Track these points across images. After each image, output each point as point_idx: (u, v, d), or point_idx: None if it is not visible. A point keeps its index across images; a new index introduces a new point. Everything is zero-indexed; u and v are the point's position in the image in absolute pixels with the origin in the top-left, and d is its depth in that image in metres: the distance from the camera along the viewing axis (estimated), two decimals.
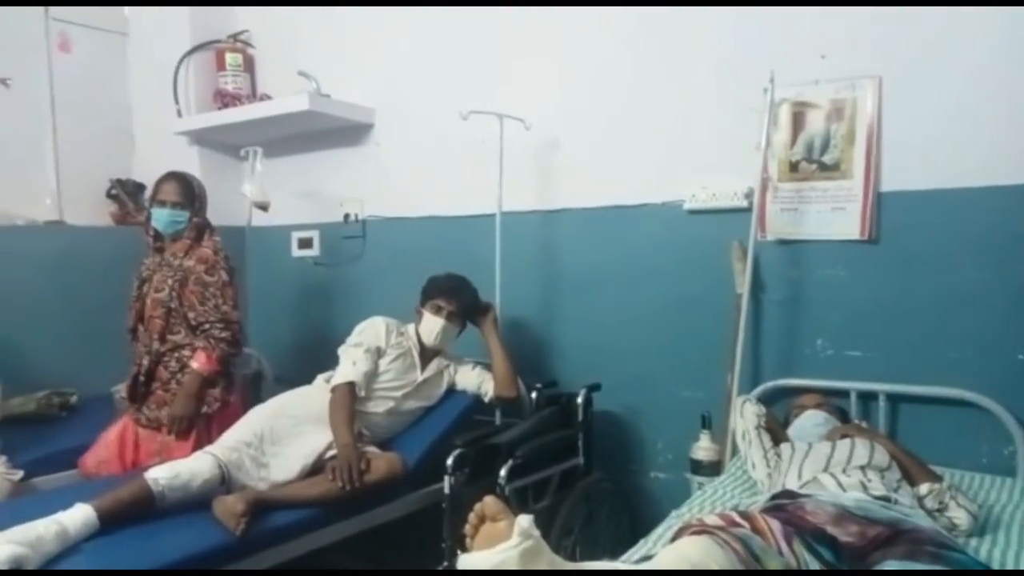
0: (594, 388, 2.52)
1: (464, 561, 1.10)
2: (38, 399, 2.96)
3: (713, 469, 2.30)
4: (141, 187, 3.68)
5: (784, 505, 1.51)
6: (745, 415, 2.10)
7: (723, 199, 2.40)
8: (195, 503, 1.99)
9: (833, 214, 2.25)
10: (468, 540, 1.14)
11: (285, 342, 3.55)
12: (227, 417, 2.54)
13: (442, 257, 2.89)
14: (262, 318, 3.62)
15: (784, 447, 1.97)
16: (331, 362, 2.61)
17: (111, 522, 1.83)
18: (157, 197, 2.61)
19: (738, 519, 1.37)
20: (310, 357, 3.27)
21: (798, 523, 1.38)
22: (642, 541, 1.69)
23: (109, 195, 3.65)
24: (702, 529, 1.32)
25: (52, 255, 3.28)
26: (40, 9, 3.45)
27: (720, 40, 2.41)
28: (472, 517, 1.14)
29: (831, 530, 1.37)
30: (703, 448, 2.34)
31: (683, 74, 2.49)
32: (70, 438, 2.80)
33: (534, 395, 2.58)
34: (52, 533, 1.68)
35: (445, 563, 2.18)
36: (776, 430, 2.09)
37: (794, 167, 2.31)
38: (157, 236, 2.64)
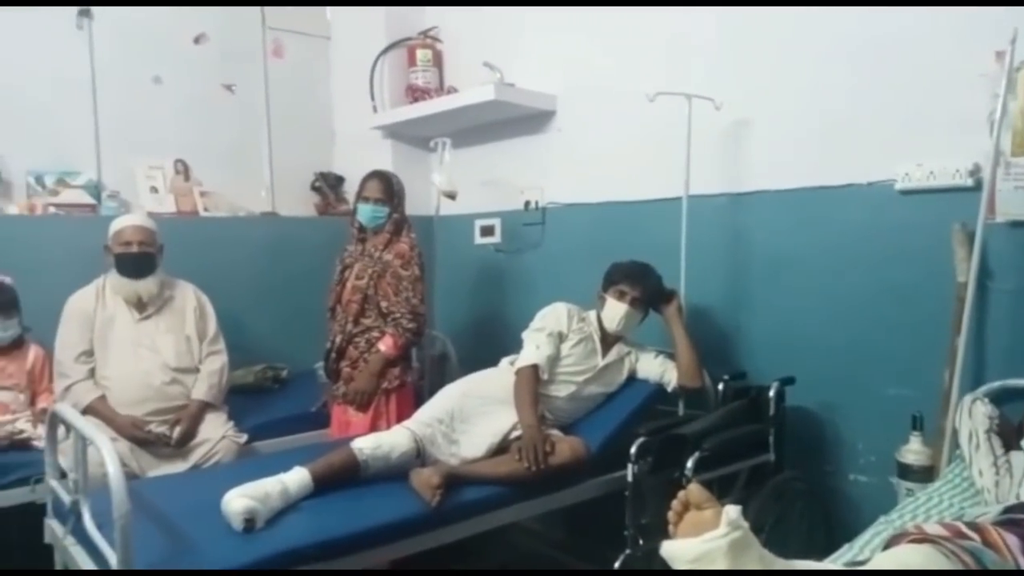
0: (787, 382, 2.39)
1: (668, 548, 1.08)
2: (255, 372, 3.31)
3: (924, 475, 2.09)
4: (341, 179, 3.98)
5: (1020, 520, 1.33)
6: (975, 416, 1.89)
7: (942, 177, 2.16)
8: (393, 474, 2.12)
9: None
10: (671, 527, 1.12)
11: (467, 326, 3.69)
12: (403, 395, 2.76)
13: (622, 243, 2.87)
14: (447, 303, 3.79)
15: (1015, 455, 1.77)
16: (511, 346, 2.67)
17: (323, 485, 1.99)
18: (362, 194, 2.82)
19: (965, 530, 1.24)
20: (491, 341, 3.38)
21: None
22: (846, 546, 1.59)
23: (313, 187, 3.98)
24: (923, 537, 1.21)
25: (266, 243, 3.62)
26: (259, 19, 3.82)
27: None
28: (676, 504, 1.11)
29: None
30: (913, 451, 2.14)
31: (894, 39, 2.26)
32: (282, 408, 3.10)
33: (720, 387, 2.49)
34: (277, 491, 1.87)
35: (628, 551, 2.17)
36: (1009, 435, 1.86)
37: None
38: (361, 228, 2.85)
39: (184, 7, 3.56)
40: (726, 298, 2.73)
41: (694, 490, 1.10)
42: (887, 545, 1.31)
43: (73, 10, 3.28)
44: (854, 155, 2.37)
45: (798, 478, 2.39)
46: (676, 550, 1.06)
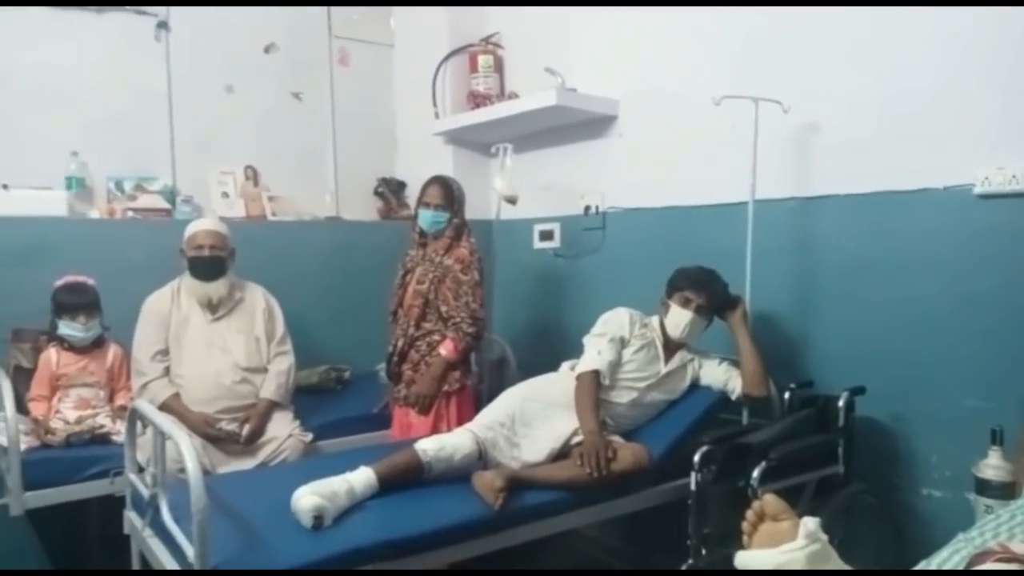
0: (857, 391, 2.32)
1: (743, 558, 1.06)
2: (319, 373, 3.38)
3: (1005, 491, 2.00)
4: (403, 185, 4.05)
5: None
6: None
7: None
8: (455, 476, 2.14)
9: None
10: (745, 538, 1.10)
11: (526, 330, 3.69)
12: (463, 398, 2.79)
13: (684, 248, 2.83)
14: (506, 307, 3.79)
15: None
16: (570, 351, 2.67)
17: (387, 486, 2.02)
18: (423, 199, 2.86)
19: None
20: (550, 346, 3.38)
21: None
22: (924, 562, 1.52)
23: (376, 192, 4.06)
24: (1011, 556, 1.15)
25: (331, 246, 3.70)
26: (325, 29, 3.93)
27: None
28: (750, 515, 1.09)
29: None
30: (992, 466, 2.05)
31: (973, 37, 2.18)
32: (345, 408, 3.16)
33: (787, 396, 2.43)
34: (344, 490, 1.90)
35: (690, 560, 2.13)
36: None
37: None
38: (422, 233, 2.89)
39: (255, 16, 3.69)
40: (793, 305, 2.66)
41: (770, 500, 1.08)
42: (969, 564, 1.26)
43: (151, 23, 3.43)
44: (929, 159, 2.29)
45: (868, 491, 2.32)
46: (751, 561, 1.05)
